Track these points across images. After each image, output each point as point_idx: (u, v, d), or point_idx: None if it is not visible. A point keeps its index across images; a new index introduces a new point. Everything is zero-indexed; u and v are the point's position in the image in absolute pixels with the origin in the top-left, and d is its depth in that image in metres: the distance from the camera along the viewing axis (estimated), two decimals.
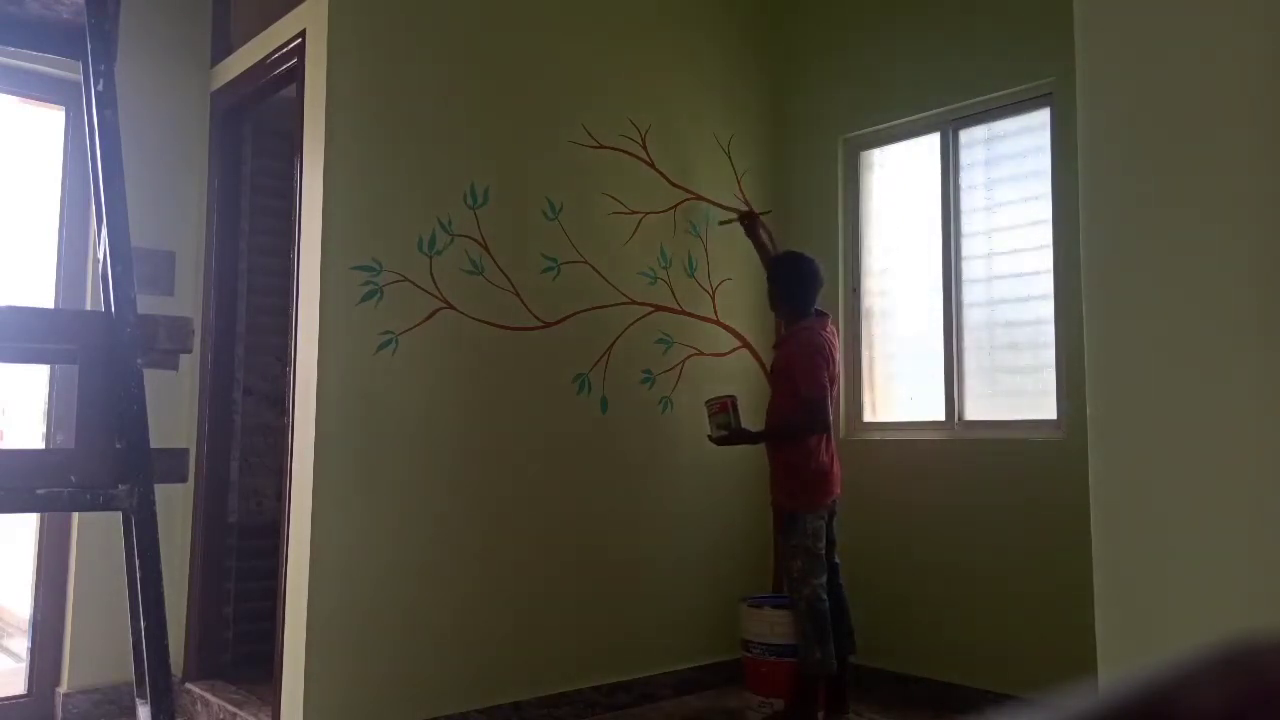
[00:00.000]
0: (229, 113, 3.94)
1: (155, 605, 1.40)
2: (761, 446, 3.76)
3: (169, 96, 3.92)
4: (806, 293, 3.66)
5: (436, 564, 3.31)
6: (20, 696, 3.59)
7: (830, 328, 3.67)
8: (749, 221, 4.07)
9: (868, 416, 4.26)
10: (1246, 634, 0.29)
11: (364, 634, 3.13)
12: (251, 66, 3.69)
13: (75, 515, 3.56)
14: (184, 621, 3.77)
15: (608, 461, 3.81)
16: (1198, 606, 1.63)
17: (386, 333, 3.25)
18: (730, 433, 3.60)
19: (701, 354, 4.17)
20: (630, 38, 4.05)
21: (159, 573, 1.42)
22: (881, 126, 4.25)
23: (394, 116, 3.32)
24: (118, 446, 1.40)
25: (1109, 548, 1.72)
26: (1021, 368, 3.81)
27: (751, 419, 3.77)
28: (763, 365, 4.35)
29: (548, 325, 3.66)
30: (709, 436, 3.67)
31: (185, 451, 1.55)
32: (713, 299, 4.24)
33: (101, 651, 3.56)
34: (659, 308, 4.03)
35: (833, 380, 3.57)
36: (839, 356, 3.71)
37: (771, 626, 3.52)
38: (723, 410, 3.61)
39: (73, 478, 1.36)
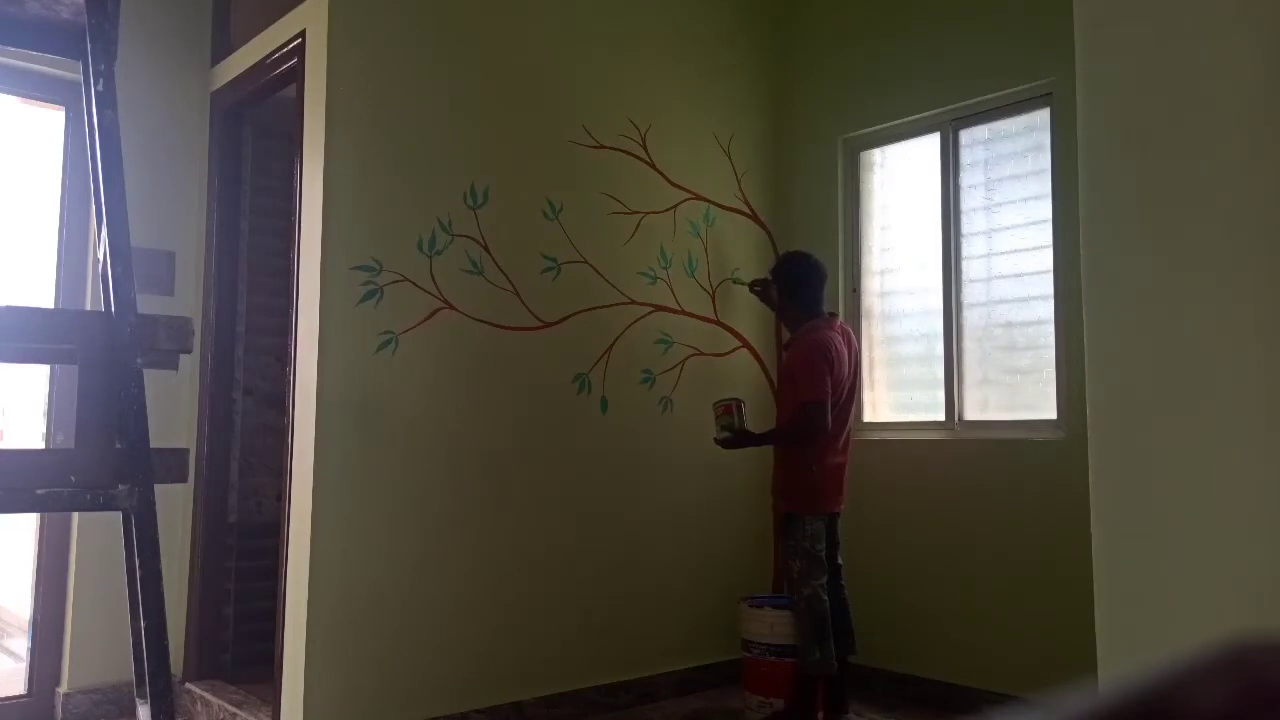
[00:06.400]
0: (229, 113, 3.94)
1: (155, 605, 1.40)
2: (769, 447, 3.75)
3: (169, 96, 3.92)
4: (814, 291, 3.65)
5: (436, 563, 3.31)
6: (20, 696, 3.59)
7: (840, 327, 3.65)
8: (762, 288, 4.01)
9: (868, 416, 4.26)
10: (1246, 634, 0.29)
11: (364, 634, 3.13)
12: (251, 66, 3.69)
13: (75, 515, 3.56)
14: (184, 621, 3.76)
15: (608, 461, 3.81)
16: (1198, 606, 1.63)
17: (386, 333, 3.25)
18: (734, 435, 3.59)
19: (701, 354, 4.16)
20: (630, 37, 4.05)
21: (159, 572, 1.42)
22: (881, 126, 4.25)
23: (394, 116, 3.32)
24: (118, 446, 1.40)
25: (1109, 548, 1.72)
26: (1021, 368, 3.80)
27: (757, 420, 3.76)
28: (763, 365, 4.35)
29: (548, 325, 3.66)
30: (715, 439, 3.66)
31: (185, 451, 1.55)
32: (713, 299, 4.24)
33: (101, 651, 3.56)
34: (659, 308, 4.03)
35: (839, 382, 3.50)
36: (855, 355, 3.64)
37: (771, 627, 3.52)
38: (727, 413, 3.60)
39: (73, 478, 1.36)
